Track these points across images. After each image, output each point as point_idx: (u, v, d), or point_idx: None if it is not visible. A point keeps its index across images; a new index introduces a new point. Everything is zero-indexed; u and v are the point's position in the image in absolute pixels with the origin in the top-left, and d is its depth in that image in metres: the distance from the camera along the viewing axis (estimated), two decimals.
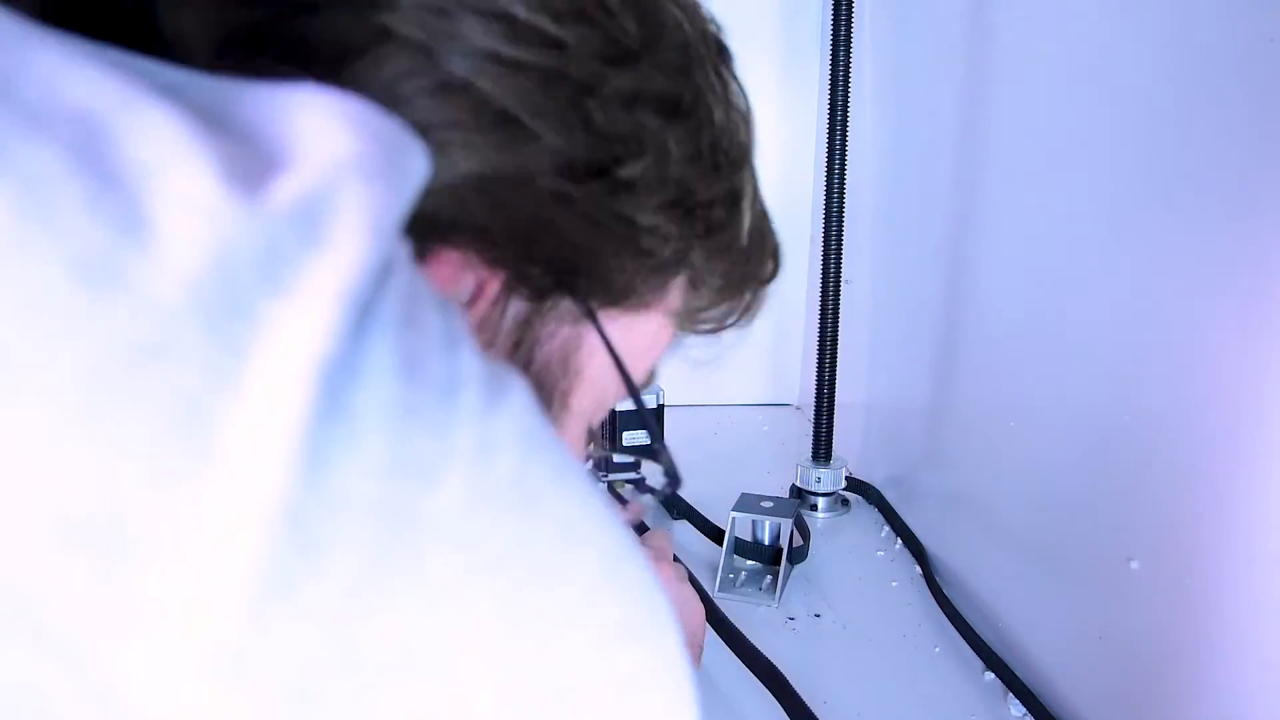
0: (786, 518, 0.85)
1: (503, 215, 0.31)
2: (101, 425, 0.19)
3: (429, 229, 0.29)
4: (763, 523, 0.86)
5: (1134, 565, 0.58)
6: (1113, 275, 0.61)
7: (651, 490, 0.43)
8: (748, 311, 0.42)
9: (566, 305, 0.35)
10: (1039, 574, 0.71)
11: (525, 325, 0.34)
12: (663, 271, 0.36)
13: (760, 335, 1.34)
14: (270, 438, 0.19)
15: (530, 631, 0.23)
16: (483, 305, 0.33)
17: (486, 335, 0.33)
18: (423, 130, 0.28)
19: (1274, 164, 0.47)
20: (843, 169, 0.95)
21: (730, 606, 0.76)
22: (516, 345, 0.34)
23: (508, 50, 0.29)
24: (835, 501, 1.01)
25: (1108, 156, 0.62)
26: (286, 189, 0.21)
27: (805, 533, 0.90)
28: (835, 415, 1.00)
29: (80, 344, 0.19)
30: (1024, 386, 0.73)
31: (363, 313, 0.21)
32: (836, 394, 0.99)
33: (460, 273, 0.32)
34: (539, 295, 0.34)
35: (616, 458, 0.96)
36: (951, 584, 0.84)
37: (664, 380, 1.02)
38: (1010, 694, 0.68)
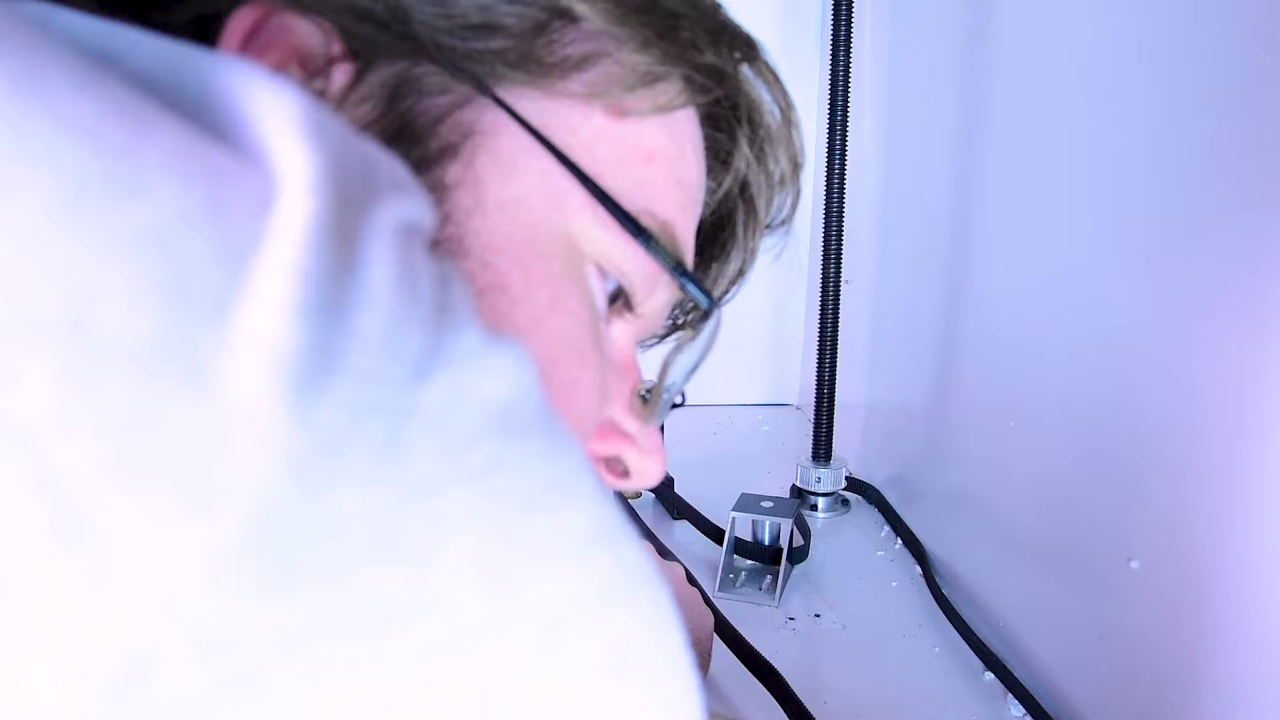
0: (786, 518, 0.85)
1: None
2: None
3: None
4: (763, 523, 0.86)
5: (1134, 565, 0.58)
6: (1112, 275, 0.61)
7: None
8: (736, 106, 0.38)
9: (440, 79, 0.32)
10: (1039, 574, 0.71)
11: (395, 95, 0.31)
12: (539, 28, 0.32)
13: (760, 335, 1.34)
14: (277, 287, 0.19)
15: (517, 554, 0.22)
16: (334, 92, 0.31)
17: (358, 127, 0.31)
18: None
19: (1274, 164, 0.47)
20: (843, 169, 0.95)
21: (730, 606, 0.76)
22: (397, 134, 0.31)
23: None
24: (835, 501, 1.01)
25: (1108, 157, 0.62)
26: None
27: (805, 533, 0.90)
28: (835, 415, 1.00)
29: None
30: (1024, 387, 0.73)
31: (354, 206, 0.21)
32: (836, 394, 0.99)
33: (279, 36, 0.30)
34: (393, 56, 0.31)
35: None
36: (951, 584, 0.84)
37: None
38: (1010, 694, 0.68)
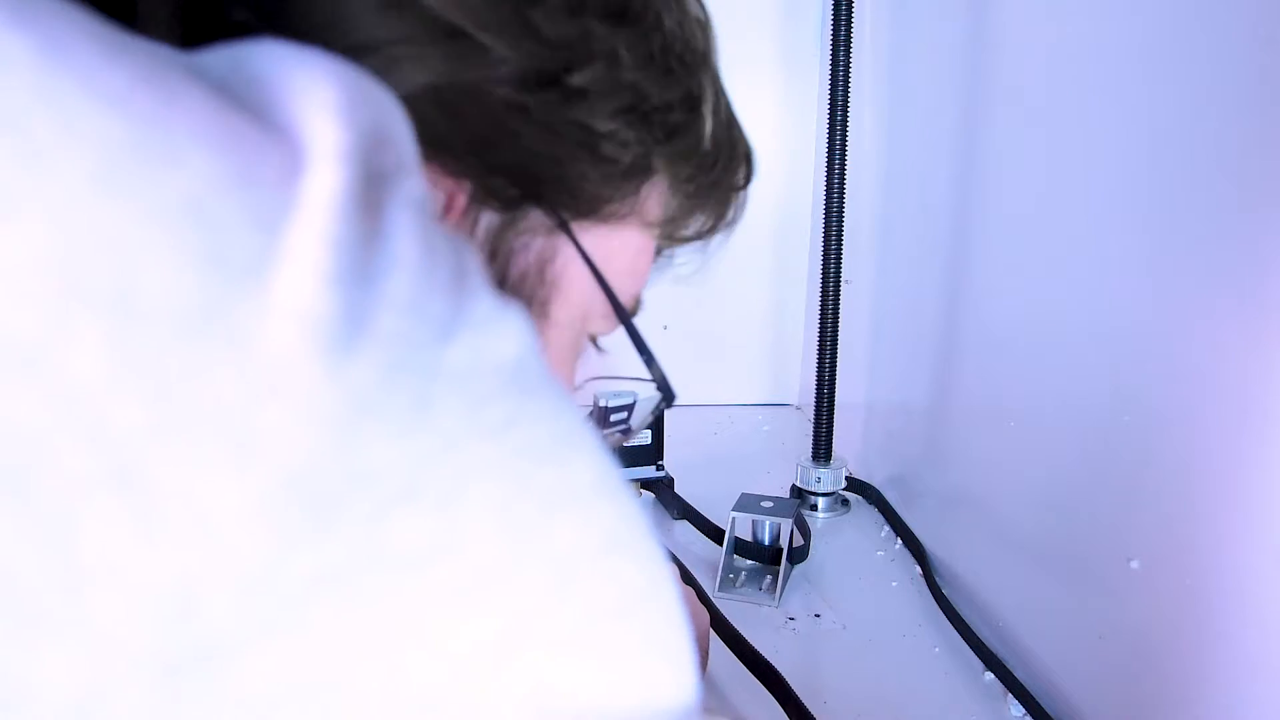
0: (786, 518, 0.85)
1: (460, 126, 0.32)
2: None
3: None
4: (763, 523, 0.86)
5: (1134, 565, 0.58)
6: (1113, 275, 0.61)
7: (651, 410, 0.44)
8: (726, 220, 0.43)
9: (538, 217, 0.36)
10: (1039, 574, 0.71)
11: (498, 236, 0.35)
12: (627, 179, 0.37)
13: (760, 335, 1.34)
14: (311, 254, 0.21)
15: (530, 503, 0.24)
16: (453, 217, 0.34)
17: None
18: (372, 47, 0.29)
19: (1275, 164, 0.47)
20: (843, 169, 0.95)
21: (730, 606, 0.76)
22: (491, 257, 0.35)
23: None
24: (835, 501, 1.01)
25: (1107, 157, 0.62)
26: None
27: (805, 533, 0.90)
28: (835, 415, 1.00)
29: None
30: (1024, 387, 0.73)
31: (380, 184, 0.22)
32: (836, 394, 0.99)
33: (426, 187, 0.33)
34: (507, 206, 0.35)
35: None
36: (951, 584, 0.84)
37: None
38: (1010, 694, 0.68)
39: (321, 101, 0.23)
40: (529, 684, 0.24)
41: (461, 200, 0.34)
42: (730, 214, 0.43)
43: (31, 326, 0.19)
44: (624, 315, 0.39)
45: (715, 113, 0.39)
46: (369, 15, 0.30)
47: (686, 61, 0.37)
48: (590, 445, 0.25)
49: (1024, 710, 0.67)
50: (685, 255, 0.43)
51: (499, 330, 0.24)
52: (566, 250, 0.37)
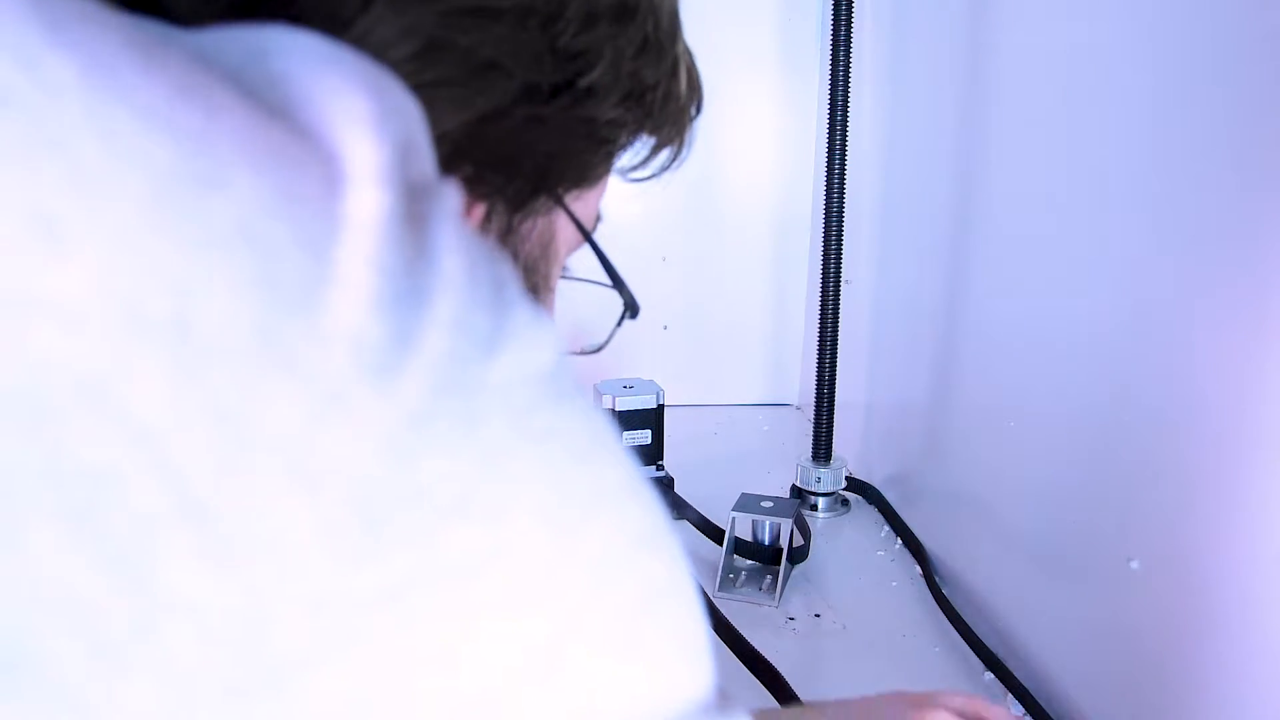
0: (786, 518, 0.85)
1: (483, 150, 0.33)
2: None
3: None
4: (763, 523, 0.86)
5: (1134, 565, 0.58)
6: (1113, 275, 0.61)
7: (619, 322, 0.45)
8: (684, 152, 0.44)
9: (540, 202, 0.37)
10: (1039, 574, 0.71)
11: (508, 232, 0.36)
12: (620, 150, 0.39)
13: (760, 335, 1.34)
14: (360, 278, 0.21)
15: (571, 506, 0.24)
16: (471, 224, 0.34)
17: None
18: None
19: (1274, 164, 0.47)
20: (843, 169, 0.95)
21: (730, 606, 0.76)
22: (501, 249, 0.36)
23: (482, 1, 0.31)
24: (835, 501, 1.01)
25: (1107, 156, 0.62)
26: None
27: (805, 533, 0.90)
28: (835, 415, 1.00)
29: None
30: (1024, 387, 0.73)
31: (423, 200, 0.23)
32: (836, 394, 0.99)
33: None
34: (518, 204, 0.36)
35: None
36: (951, 584, 0.84)
37: (664, 380, 1.02)
38: (1010, 694, 0.68)
39: (355, 113, 0.23)
40: (573, 683, 0.25)
41: (479, 211, 0.35)
42: (687, 145, 0.44)
43: (94, 362, 0.19)
44: (602, 255, 0.40)
45: (688, 68, 0.41)
46: (408, 64, 0.30)
47: (670, 32, 0.38)
48: (616, 446, 0.26)
49: (1024, 710, 0.67)
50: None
51: (537, 340, 0.24)
52: (560, 220, 0.38)
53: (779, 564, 0.83)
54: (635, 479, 0.26)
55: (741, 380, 1.34)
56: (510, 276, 0.25)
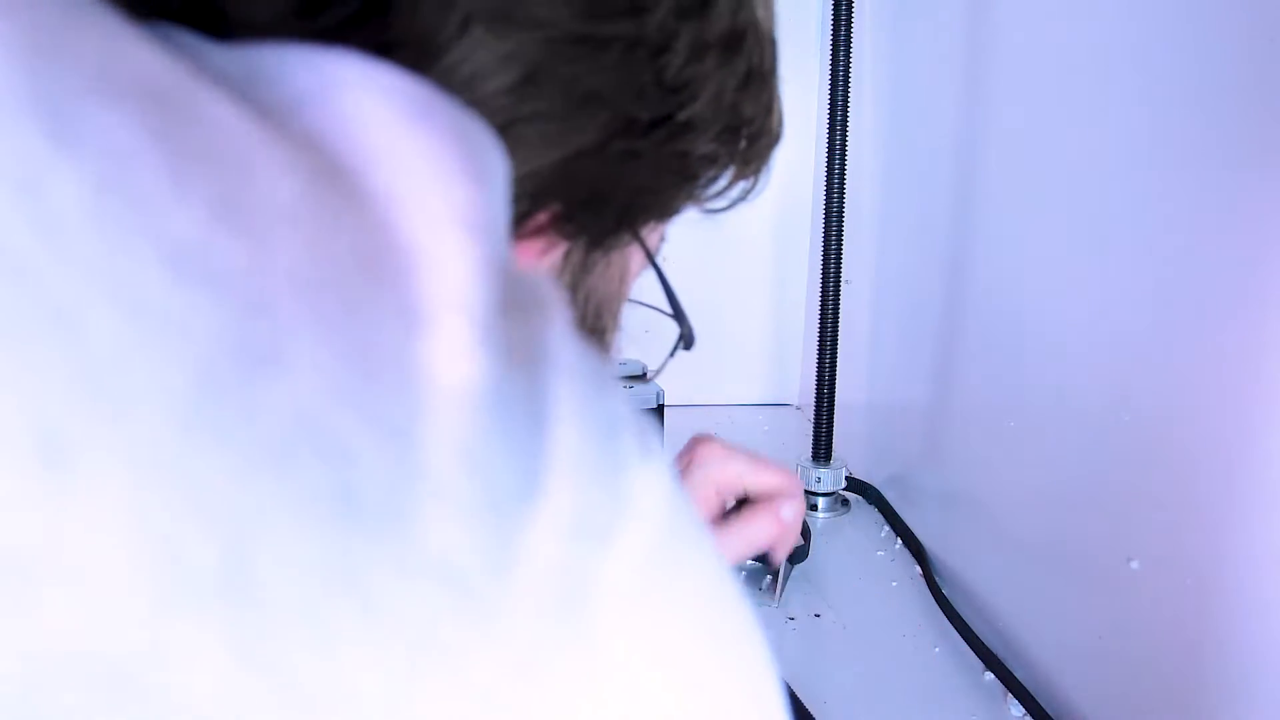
0: None
1: (574, 187, 0.30)
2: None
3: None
4: None
5: (1134, 565, 0.58)
6: (1113, 275, 0.61)
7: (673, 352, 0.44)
8: (760, 184, 0.42)
9: (620, 237, 0.35)
10: (1039, 574, 0.71)
11: (581, 269, 0.34)
12: (709, 184, 0.37)
13: (760, 335, 1.34)
14: (452, 481, 0.17)
15: (699, 690, 0.22)
16: (547, 262, 0.33)
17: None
18: (501, 128, 0.26)
19: (1274, 164, 0.47)
20: (843, 169, 0.95)
21: None
22: (573, 290, 0.34)
23: (590, 28, 0.28)
24: (835, 501, 1.01)
25: (1108, 156, 0.62)
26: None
27: (805, 533, 0.90)
28: (835, 415, 1.00)
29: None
30: (1024, 387, 0.73)
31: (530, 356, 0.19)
32: (836, 394, 0.99)
33: (537, 253, 0.32)
34: (600, 241, 0.34)
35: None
36: (951, 584, 0.84)
37: (664, 380, 1.02)
38: (1010, 694, 0.68)
39: (447, 212, 0.18)
40: None
41: (558, 252, 0.32)
42: (764, 177, 0.42)
43: (122, 642, 0.15)
44: (669, 288, 0.39)
45: (779, 103, 0.38)
46: (501, 97, 0.27)
47: (769, 67, 0.35)
48: (736, 596, 0.24)
49: (1024, 710, 0.67)
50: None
51: (652, 489, 0.20)
52: (632, 254, 0.36)
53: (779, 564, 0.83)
54: (748, 618, 0.25)
55: (741, 380, 1.34)
56: (624, 411, 0.21)
